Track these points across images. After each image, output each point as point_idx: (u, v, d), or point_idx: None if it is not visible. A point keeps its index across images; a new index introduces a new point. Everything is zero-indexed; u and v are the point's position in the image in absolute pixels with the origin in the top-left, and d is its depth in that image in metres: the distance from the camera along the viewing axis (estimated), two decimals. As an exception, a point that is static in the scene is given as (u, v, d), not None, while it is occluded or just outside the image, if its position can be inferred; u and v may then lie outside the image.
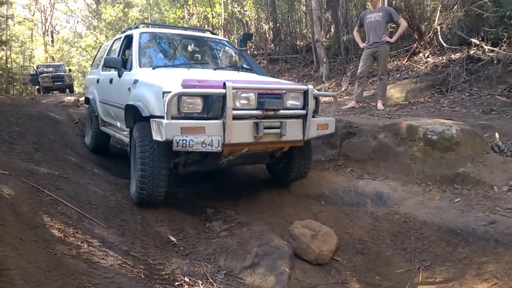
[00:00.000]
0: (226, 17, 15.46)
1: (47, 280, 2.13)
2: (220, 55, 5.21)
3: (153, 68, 4.13)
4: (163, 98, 3.15)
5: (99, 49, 6.82)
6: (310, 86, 3.58)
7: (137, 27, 4.97)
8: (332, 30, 11.82)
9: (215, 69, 4.48)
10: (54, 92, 17.99)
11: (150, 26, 5.82)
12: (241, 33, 7.74)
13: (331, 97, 4.39)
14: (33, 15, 33.19)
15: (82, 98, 12.75)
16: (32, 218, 2.72)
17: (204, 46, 5.16)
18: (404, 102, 6.81)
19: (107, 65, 4.27)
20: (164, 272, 2.74)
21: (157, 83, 3.42)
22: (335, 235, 3.41)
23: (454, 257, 3.04)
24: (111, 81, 4.72)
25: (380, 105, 6.31)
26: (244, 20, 15.73)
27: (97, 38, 25.85)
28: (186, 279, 2.72)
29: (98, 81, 5.46)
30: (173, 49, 4.87)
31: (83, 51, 29.44)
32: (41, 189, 3.16)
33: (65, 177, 3.70)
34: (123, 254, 2.75)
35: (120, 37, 5.15)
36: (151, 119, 3.26)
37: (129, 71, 4.25)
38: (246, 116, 3.30)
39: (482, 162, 3.75)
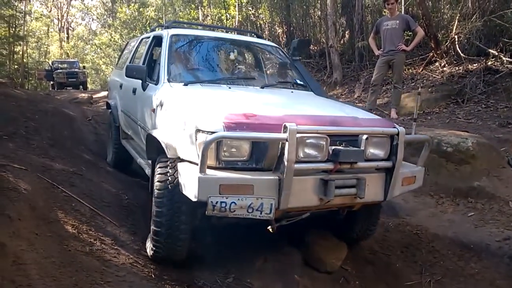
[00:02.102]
0: (240, 19, 15.53)
1: (62, 276, 2.15)
2: (268, 66, 4.27)
3: (185, 84, 3.25)
4: (196, 138, 2.40)
5: (125, 45, 5.89)
6: (401, 128, 2.66)
7: (168, 27, 4.03)
8: (347, 35, 11.79)
9: (262, 87, 3.51)
10: (68, 88, 18.24)
11: (184, 25, 5.19)
12: (296, 39, 6.44)
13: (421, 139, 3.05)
14: (50, 11, 33.75)
15: (96, 96, 12.98)
16: (47, 213, 2.76)
17: (249, 54, 4.30)
18: (418, 112, 6.76)
19: (129, 75, 3.46)
20: (174, 273, 2.75)
21: (189, 115, 2.60)
22: (344, 243, 3.39)
23: (466, 272, 3.01)
24: (134, 91, 3.88)
25: (393, 114, 6.27)
26: (258, 23, 15.79)
27: (111, 36, 26.15)
28: (195, 281, 2.73)
29: (121, 86, 4.65)
30: (212, 58, 3.86)
31: (97, 49, 29.79)
32: (56, 185, 3.20)
33: (79, 174, 3.74)
34: (135, 253, 2.77)
35: (148, 37, 4.27)
36: (179, 164, 2.52)
37: (155, 84, 3.40)
38: (311, 171, 2.44)
39: (498, 177, 3.71)
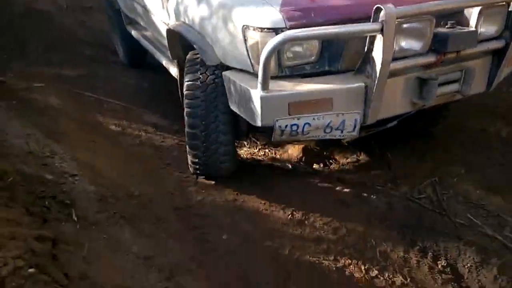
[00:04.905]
0: None
1: (130, 167, 2.57)
2: None
3: None
4: (245, 38, 1.81)
5: None
6: None
7: None
8: None
9: None
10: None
11: None
12: None
13: None
14: None
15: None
16: (89, 120, 3.06)
17: None
18: None
19: None
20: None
21: (227, 3, 1.97)
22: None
23: None
24: None
25: None
26: None
27: None
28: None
29: None
30: None
31: None
32: (81, 92, 3.41)
33: (93, 74, 3.88)
34: (176, 134, 3.10)
35: None
36: (224, 73, 2.02)
37: None
38: (407, 69, 1.86)
39: None
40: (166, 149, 2.88)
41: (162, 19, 2.75)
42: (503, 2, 1.98)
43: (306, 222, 2.23)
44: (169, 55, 2.61)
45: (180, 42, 2.32)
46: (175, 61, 2.57)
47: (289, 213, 2.28)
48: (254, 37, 1.78)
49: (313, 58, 1.81)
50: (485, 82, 2.16)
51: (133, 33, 3.60)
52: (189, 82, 2.18)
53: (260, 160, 2.89)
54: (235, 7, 1.92)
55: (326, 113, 1.77)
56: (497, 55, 2.08)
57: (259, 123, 1.80)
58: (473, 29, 1.89)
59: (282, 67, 1.81)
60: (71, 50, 4.81)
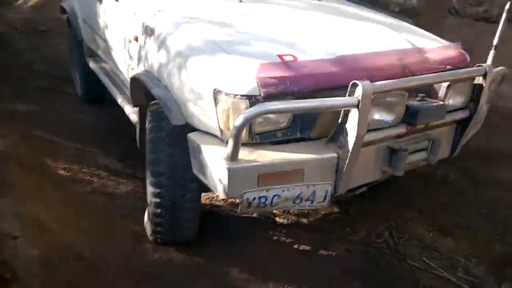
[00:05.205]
0: None
1: (81, 222, 2.43)
2: None
3: None
4: (215, 102, 1.70)
5: None
6: (489, 66, 2.02)
7: None
8: None
9: None
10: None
11: None
12: None
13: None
14: None
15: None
16: (37, 165, 2.89)
17: None
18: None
19: None
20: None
21: (199, 61, 1.84)
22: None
23: None
24: None
25: None
26: None
27: None
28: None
29: None
30: None
31: None
32: (32, 132, 3.24)
33: (46, 109, 3.70)
34: (130, 178, 2.98)
35: None
36: (189, 135, 1.84)
37: None
38: (379, 140, 1.85)
39: None
40: (120, 197, 2.77)
41: (125, 60, 2.64)
42: (471, 76, 2.04)
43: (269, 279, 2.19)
44: (130, 97, 2.48)
45: (144, 91, 2.18)
46: (137, 109, 2.43)
47: (251, 270, 2.22)
48: (225, 101, 1.68)
49: (284, 124, 1.74)
50: (449, 149, 2.22)
51: (94, 67, 3.44)
52: (152, 135, 2.03)
53: (219, 206, 2.83)
54: (207, 67, 1.79)
55: (297, 184, 1.68)
56: (461, 124, 2.15)
57: (224, 196, 1.67)
58: (442, 102, 1.94)
59: (253, 133, 1.71)
60: (23, 80, 4.59)
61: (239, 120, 1.50)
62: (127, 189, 2.86)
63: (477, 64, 2.04)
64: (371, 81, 1.62)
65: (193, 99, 1.84)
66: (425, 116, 1.85)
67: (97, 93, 3.84)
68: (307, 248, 2.44)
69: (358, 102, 1.57)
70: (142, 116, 2.31)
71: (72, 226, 2.33)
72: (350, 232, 2.61)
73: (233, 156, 1.56)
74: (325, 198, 1.75)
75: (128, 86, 2.46)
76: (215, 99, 1.70)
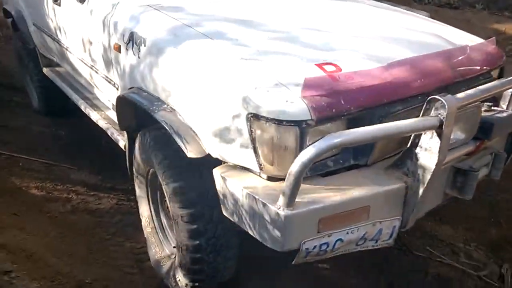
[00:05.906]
0: None
1: (71, 242, 2.22)
2: None
3: None
4: (250, 131, 1.37)
5: None
6: None
7: None
8: None
9: None
10: None
11: None
12: None
13: None
14: None
15: None
16: (3, 187, 2.59)
17: None
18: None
19: None
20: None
21: (221, 79, 1.49)
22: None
23: None
24: None
25: None
26: None
27: None
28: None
29: None
30: None
31: None
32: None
33: (3, 125, 3.31)
34: (111, 192, 2.79)
35: None
36: (214, 170, 1.50)
37: None
38: (450, 161, 1.57)
39: None
40: (105, 213, 2.59)
41: (104, 74, 2.23)
42: None
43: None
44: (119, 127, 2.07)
45: (135, 112, 1.85)
46: (125, 133, 2.07)
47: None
48: (265, 130, 1.32)
49: (336, 150, 1.41)
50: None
51: (54, 79, 3.01)
52: (175, 180, 1.63)
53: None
54: (237, 86, 1.41)
55: (362, 224, 1.38)
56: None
57: (278, 249, 1.32)
58: (510, 111, 1.68)
59: None
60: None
61: (305, 156, 1.16)
62: (110, 203, 2.68)
63: None
64: (434, 92, 1.40)
65: (217, 126, 1.46)
66: (499, 129, 1.58)
67: (57, 106, 3.45)
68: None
69: (441, 121, 1.30)
70: (131, 141, 1.98)
71: (64, 252, 2.15)
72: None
73: (290, 202, 1.24)
74: (391, 236, 1.47)
75: (106, 103, 2.14)
76: (251, 127, 1.35)
